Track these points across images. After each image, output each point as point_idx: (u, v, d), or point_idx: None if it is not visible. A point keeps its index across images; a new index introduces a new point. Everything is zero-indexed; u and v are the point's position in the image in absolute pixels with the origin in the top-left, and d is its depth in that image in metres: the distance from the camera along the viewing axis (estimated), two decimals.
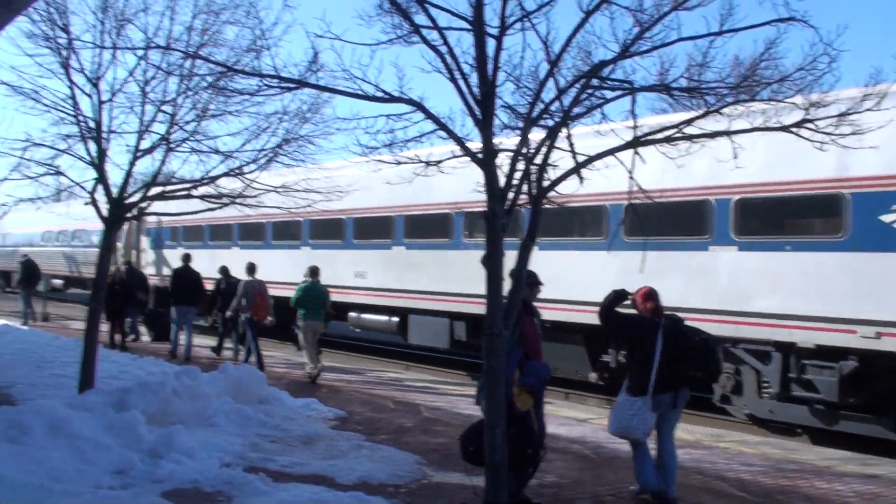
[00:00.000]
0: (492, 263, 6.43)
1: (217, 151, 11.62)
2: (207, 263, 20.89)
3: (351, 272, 19.27)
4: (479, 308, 6.89)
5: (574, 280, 13.74)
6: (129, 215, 11.39)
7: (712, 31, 6.27)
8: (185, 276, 18.31)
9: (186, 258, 18.90)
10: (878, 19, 60.71)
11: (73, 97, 10.64)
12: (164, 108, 10.97)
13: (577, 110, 6.68)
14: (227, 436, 9.56)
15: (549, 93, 6.60)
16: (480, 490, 6.65)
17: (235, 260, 19.59)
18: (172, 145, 11.23)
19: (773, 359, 11.82)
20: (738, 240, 12.13)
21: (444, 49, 6.35)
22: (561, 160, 6.91)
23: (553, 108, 6.65)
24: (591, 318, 8.26)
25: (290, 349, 20.58)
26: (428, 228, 17.53)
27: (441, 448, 9.44)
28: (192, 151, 11.59)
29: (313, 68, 6.88)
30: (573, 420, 11.83)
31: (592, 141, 7.58)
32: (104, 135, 10.75)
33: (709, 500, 7.79)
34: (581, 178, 6.84)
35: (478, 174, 6.55)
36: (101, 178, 10.87)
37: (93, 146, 10.75)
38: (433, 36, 6.38)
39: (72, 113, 10.72)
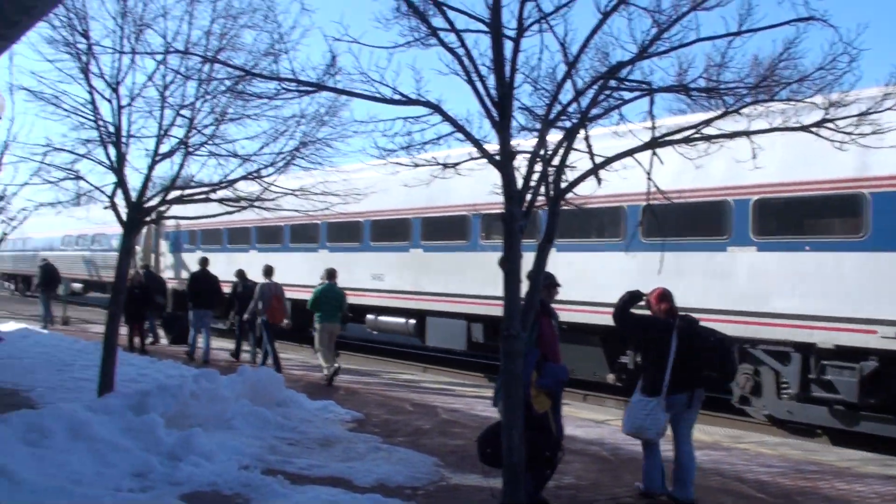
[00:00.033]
0: (509, 265, 6.42)
1: (235, 155, 11.66)
2: (225, 266, 20.98)
3: (368, 275, 19.30)
4: (497, 310, 6.87)
5: (592, 281, 13.71)
6: (147, 219, 11.44)
7: (731, 31, 6.23)
8: (203, 280, 18.41)
9: (204, 262, 18.98)
10: None
11: (92, 102, 10.71)
12: (182, 112, 11.02)
13: (594, 111, 6.66)
14: (246, 438, 9.58)
15: (566, 94, 6.60)
16: (498, 492, 6.64)
17: (253, 263, 19.67)
18: (191, 149, 11.27)
19: (792, 359, 11.75)
20: (756, 240, 12.06)
21: (461, 51, 6.35)
22: (578, 161, 6.89)
23: (571, 109, 6.63)
24: (609, 319, 8.21)
25: (307, 352, 20.63)
26: (445, 230, 17.53)
27: (459, 450, 9.43)
28: (211, 155, 11.64)
29: (331, 71, 6.90)
30: (591, 421, 11.80)
31: (610, 142, 7.56)
32: (123, 139, 10.81)
33: (728, 502, 7.74)
34: (599, 180, 6.83)
35: (495, 176, 6.54)
36: (121, 183, 10.94)
37: (112, 150, 10.82)
38: (450, 38, 6.38)
39: (91, 118, 10.79)
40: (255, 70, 9.38)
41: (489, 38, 6.29)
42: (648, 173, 6.88)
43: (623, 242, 13.61)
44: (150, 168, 11.13)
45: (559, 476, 7.88)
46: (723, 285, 12.39)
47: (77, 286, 35.83)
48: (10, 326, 21.92)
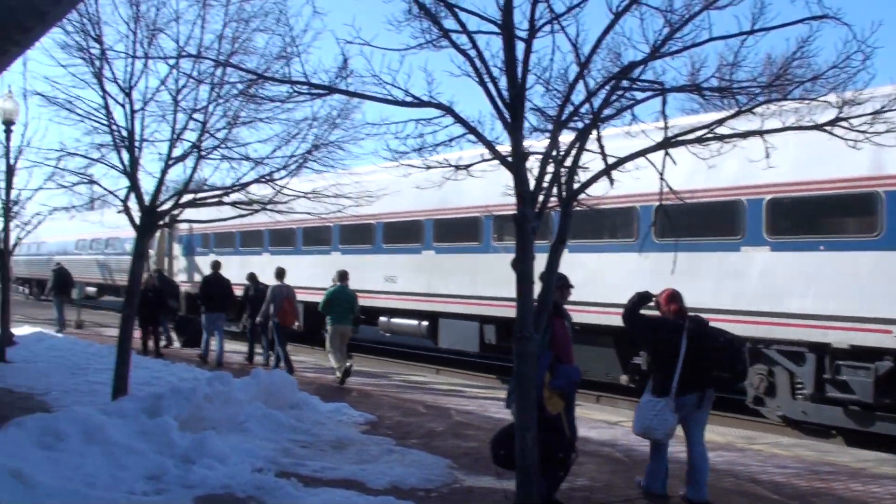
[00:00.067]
0: (522, 267, 6.40)
1: (248, 158, 11.69)
2: (239, 269, 21.06)
3: (381, 277, 19.33)
4: (510, 311, 6.86)
5: (605, 282, 13.69)
6: (161, 223, 11.48)
7: (744, 30, 6.21)
8: (215, 283, 18.48)
9: (216, 265, 19.06)
10: None
11: (106, 107, 10.75)
12: (195, 116, 11.06)
13: (607, 112, 6.64)
14: (259, 441, 9.60)
15: (578, 95, 6.59)
16: (511, 494, 6.63)
17: (266, 266, 19.73)
18: (204, 153, 11.31)
19: (806, 360, 11.69)
20: (770, 240, 12.02)
21: (473, 53, 6.35)
22: (591, 162, 6.88)
23: (583, 110, 6.62)
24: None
25: (320, 354, 20.65)
26: (457, 232, 17.54)
27: (472, 452, 9.43)
28: (223, 159, 11.67)
29: (343, 74, 6.90)
30: (604, 423, 11.77)
31: (622, 142, 7.55)
32: (136, 143, 10.85)
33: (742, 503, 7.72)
34: (611, 181, 6.81)
35: (507, 177, 6.53)
36: (134, 187, 10.98)
37: (125, 155, 10.86)
38: (462, 40, 6.38)
39: (105, 122, 10.83)
40: (268, 73, 9.40)
41: (501, 40, 6.28)
42: (661, 173, 6.86)
43: (636, 243, 13.58)
44: (163, 172, 11.17)
45: (572, 478, 7.86)
46: (736, 285, 12.34)
47: (91, 290, 36.00)
48: (25, 330, 22.04)
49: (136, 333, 14.80)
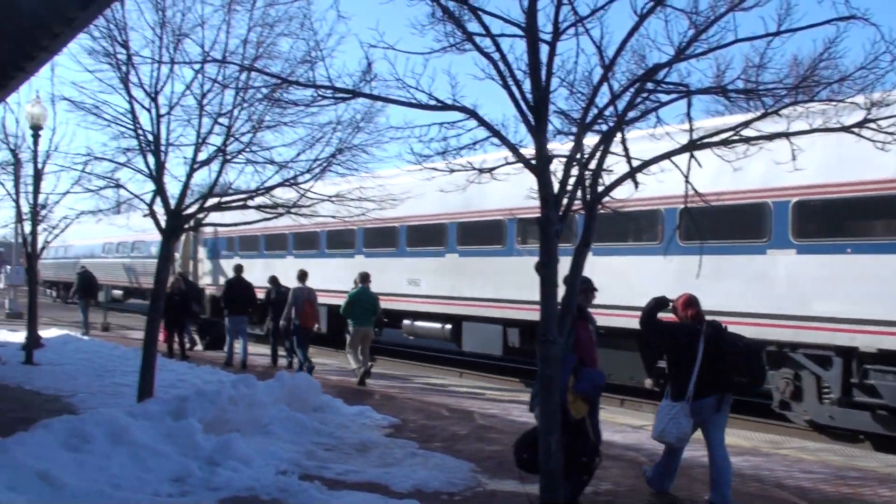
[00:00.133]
0: (546, 270, 6.39)
1: (272, 162, 11.76)
2: (262, 273, 21.17)
3: (404, 280, 19.35)
4: (533, 315, 6.84)
5: (629, 285, 13.62)
6: (186, 226, 11.55)
7: (770, 31, 6.16)
8: (238, 287, 18.59)
9: (238, 269, 19.18)
10: None
11: (132, 111, 10.84)
12: (220, 120, 11.13)
13: (631, 114, 6.62)
14: (283, 443, 9.63)
15: (603, 97, 6.56)
16: (535, 498, 6.61)
17: (290, 269, 19.79)
18: (228, 157, 11.38)
19: (833, 363, 11.57)
20: (796, 243, 11.91)
21: (496, 56, 6.34)
22: (615, 165, 6.85)
23: (607, 112, 6.60)
24: None
25: (343, 357, 20.71)
26: (481, 235, 17.52)
27: (495, 455, 9.40)
28: (248, 162, 11.75)
29: (367, 78, 6.92)
30: (628, 427, 11.72)
31: (647, 145, 7.51)
32: (162, 148, 10.93)
33: None
34: (636, 183, 6.78)
35: (531, 180, 6.52)
36: (160, 191, 11.06)
37: (151, 159, 10.94)
38: (486, 43, 6.38)
39: (131, 127, 10.92)
40: (292, 78, 9.44)
41: (525, 43, 6.27)
42: (686, 176, 6.82)
43: (660, 246, 13.51)
44: (189, 176, 11.25)
45: (596, 482, 7.83)
46: (762, 288, 12.25)
47: (117, 293, 36.31)
48: (52, 333, 22.25)
49: (161, 336, 14.86)
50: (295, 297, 16.87)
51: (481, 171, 7.30)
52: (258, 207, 11.84)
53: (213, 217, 12.04)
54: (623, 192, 6.87)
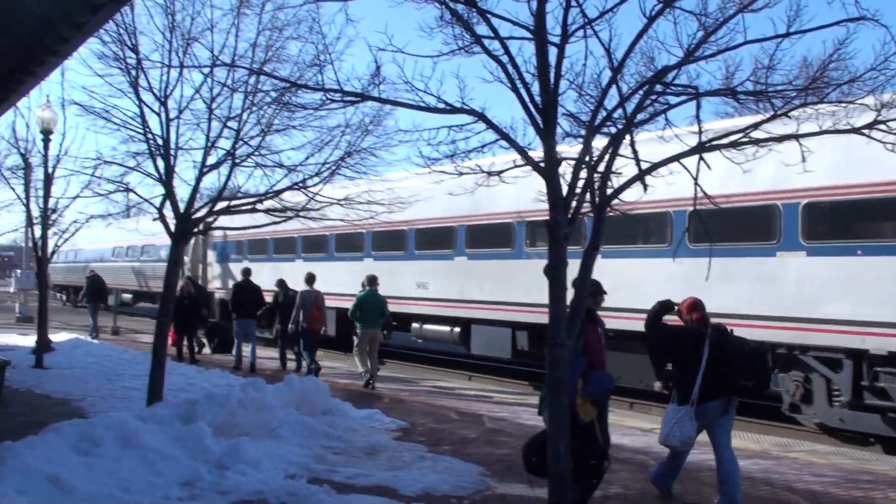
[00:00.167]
0: (554, 273, 6.37)
1: (281, 165, 11.79)
2: (271, 276, 21.19)
3: (413, 283, 19.35)
4: (542, 318, 6.83)
5: (638, 288, 13.58)
6: (195, 230, 11.59)
7: (779, 32, 6.13)
8: (246, 290, 18.63)
9: (247, 272, 19.23)
10: None
11: (141, 115, 10.88)
12: (229, 124, 11.16)
13: (640, 117, 6.59)
14: (292, 447, 9.64)
15: (611, 100, 6.54)
16: (544, 501, 6.59)
17: (299, 272, 19.80)
18: (238, 160, 11.41)
19: (844, 366, 11.52)
20: (806, 245, 11.87)
21: (505, 59, 6.33)
22: (624, 167, 6.84)
23: (616, 115, 6.58)
24: None
25: (352, 360, 20.73)
26: (490, 238, 17.51)
27: (504, 459, 9.39)
28: (257, 166, 11.78)
29: (375, 81, 6.91)
30: (638, 430, 11.68)
31: (656, 147, 7.49)
32: (172, 151, 10.97)
33: None
34: (645, 186, 6.76)
35: (539, 183, 6.51)
36: (169, 194, 11.09)
37: (161, 163, 10.98)
38: (494, 46, 6.36)
39: (141, 131, 10.97)
40: (301, 81, 9.46)
41: (533, 45, 6.26)
42: (695, 178, 6.80)
43: (669, 248, 13.48)
44: (198, 179, 11.29)
45: (606, 485, 7.81)
46: (772, 291, 12.20)
47: (127, 296, 36.42)
48: (62, 336, 22.34)
49: (169, 340, 14.90)
50: (303, 300, 16.92)
51: (490, 174, 7.29)
52: (267, 211, 11.87)
53: (223, 221, 12.07)
54: (632, 194, 6.86)
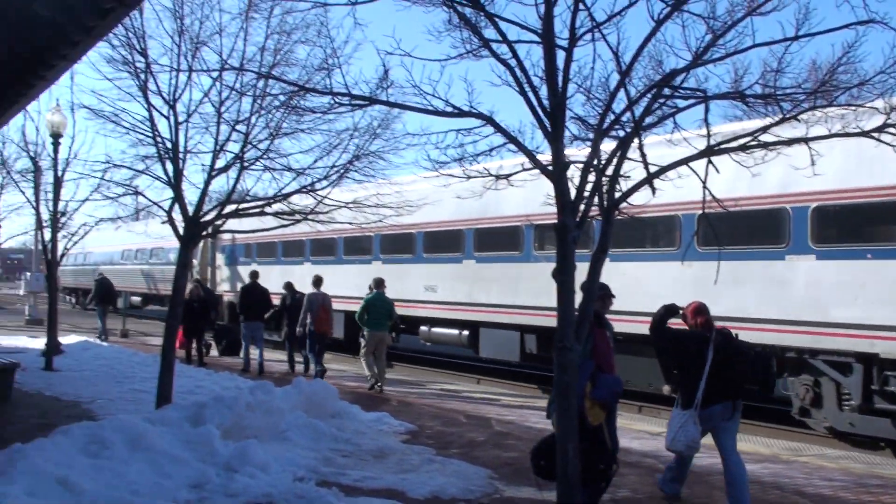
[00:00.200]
0: (563, 276, 6.37)
1: (289, 169, 11.80)
2: (280, 279, 21.22)
3: (421, 286, 19.35)
4: (551, 321, 6.84)
5: (647, 291, 13.55)
6: (204, 233, 11.61)
7: (788, 35, 6.12)
8: (254, 293, 18.67)
9: (254, 275, 19.28)
10: None
11: (150, 119, 10.92)
12: (238, 127, 11.19)
13: (648, 120, 6.59)
14: (300, 450, 9.65)
15: (619, 103, 6.53)
16: None
17: (307, 275, 19.86)
18: (246, 164, 11.43)
19: (854, 370, 11.48)
20: (816, 248, 11.83)
21: (513, 62, 6.34)
22: (632, 171, 6.83)
23: (624, 118, 6.57)
24: None
25: (360, 364, 20.74)
26: (498, 241, 17.50)
27: (513, 462, 9.39)
28: (266, 169, 11.80)
29: (383, 85, 6.92)
30: (646, 433, 11.66)
31: (664, 150, 7.48)
32: (180, 155, 11.00)
33: None
34: (653, 189, 6.75)
35: (548, 186, 6.51)
36: (178, 197, 11.12)
37: (170, 166, 11.01)
38: (502, 49, 6.37)
39: (150, 134, 11.00)
40: (309, 85, 9.46)
41: (541, 49, 6.27)
42: (704, 182, 6.79)
43: (678, 252, 13.45)
44: (207, 183, 11.32)
45: (614, 489, 7.80)
46: (781, 294, 12.17)
47: (136, 299, 36.51)
48: (72, 339, 22.40)
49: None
50: (310, 303, 16.95)
51: (498, 177, 7.30)
52: (275, 214, 11.89)
53: (231, 224, 12.09)
54: (640, 197, 6.85)
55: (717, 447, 7.61)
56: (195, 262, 27.79)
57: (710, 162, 6.77)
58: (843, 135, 6.63)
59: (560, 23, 6.25)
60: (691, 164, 6.70)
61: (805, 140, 6.61)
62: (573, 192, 6.43)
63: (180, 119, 10.96)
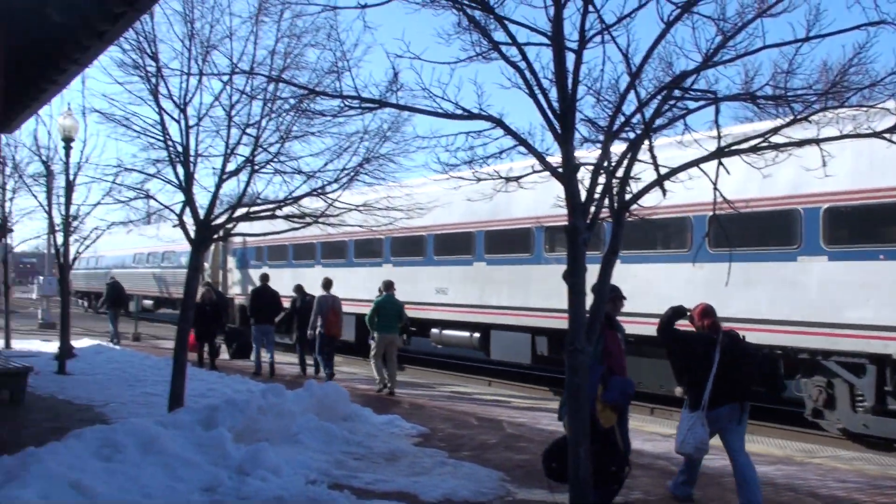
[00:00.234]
0: (574, 278, 6.36)
1: (300, 172, 11.82)
2: (291, 282, 21.28)
3: (432, 288, 19.36)
4: (562, 323, 6.84)
5: (658, 293, 13.52)
6: (215, 236, 11.64)
7: (798, 37, 6.10)
8: (264, 296, 18.71)
9: (264, 278, 19.32)
10: None
11: (161, 123, 10.94)
12: (248, 130, 11.22)
13: (658, 122, 6.58)
14: (312, 453, 9.65)
15: (629, 105, 6.52)
16: None
17: (318, 278, 19.91)
18: (257, 167, 11.45)
19: (867, 371, 11.43)
20: (828, 249, 11.79)
21: (523, 65, 6.33)
22: (643, 172, 6.82)
23: (634, 120, 6.56)
24: None
25: (371, 366, 20.77)
26: (508, 244, 17.50)
27: (524, 465, 9.38)
28: (276, 172, 11.81)
29: (393, 88, 6.94)
30: (658, 435, 11.62)
31: (675, 152, 7.47)
32: (191, 158, 11.02)
33: None
34: (664, 191, 6.74)
35: (558, 188, 6.50)
36: (189, 201, 11.15)
37: (181, 170, 11.03)
38: (512, 52, 6.37)
39: (161, 138, 11.03)
40: (319, 88, 9.48)
41: (551, 51, 6.26)
42: (715, 183, 6.77)
43: (689, 253, 13.42)
44: (218, 186, 11.34)
45: (626, 491, 7.79)
46: (793, 296, 12.12)
47: (148, 303, 36.66)
48: (84, 343, 22.49)
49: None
50: (319, 306, 16.99)
51: (508, 179, 7.30)
52: (286, 217, 11.91)
53: (242, 227, 12.12)
54: (651, 199, 6.84)
55: (726, 448, 7.61)
56: (206, 265, 27.87)
57: (720, 163, 6.75)
58: (855, 136, 6.61)
59: (570, 25, 6.26)
60: (702, 165, 6.68)
61: (816, 141, 6.58)
62: (583, 194, 6.42)
63: (191, 123, 10.99)
